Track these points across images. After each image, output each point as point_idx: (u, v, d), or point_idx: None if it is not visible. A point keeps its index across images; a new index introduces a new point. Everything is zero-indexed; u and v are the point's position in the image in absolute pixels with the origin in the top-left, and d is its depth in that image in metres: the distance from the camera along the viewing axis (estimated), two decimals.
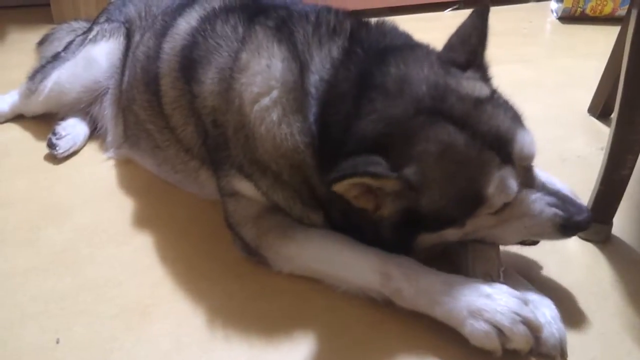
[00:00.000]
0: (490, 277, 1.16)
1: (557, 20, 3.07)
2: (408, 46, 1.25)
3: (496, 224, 1.16)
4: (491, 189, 1.09)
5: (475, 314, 1.07)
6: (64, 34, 2.31)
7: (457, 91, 1.13)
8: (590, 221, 1.15)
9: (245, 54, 1.29)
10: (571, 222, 1.14)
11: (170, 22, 1.56)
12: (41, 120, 1.97)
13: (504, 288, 1.11)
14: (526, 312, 1.07)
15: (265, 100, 1.24)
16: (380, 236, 1.18)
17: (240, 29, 1.36)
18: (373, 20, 1.34)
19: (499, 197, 1.10)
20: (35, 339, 1.18)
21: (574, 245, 1.42)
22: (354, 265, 1.22)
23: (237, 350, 1.15)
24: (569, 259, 1.38)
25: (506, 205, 1.12)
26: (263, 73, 1.25)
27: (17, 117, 2.04)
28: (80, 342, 1.17)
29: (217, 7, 1.49)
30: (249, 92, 1.26)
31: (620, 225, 1.45)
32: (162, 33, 1.56)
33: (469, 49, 1.22)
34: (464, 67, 1.20)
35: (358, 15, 1.37)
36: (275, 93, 1.23)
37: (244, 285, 1.31)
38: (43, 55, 2.21)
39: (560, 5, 3.04)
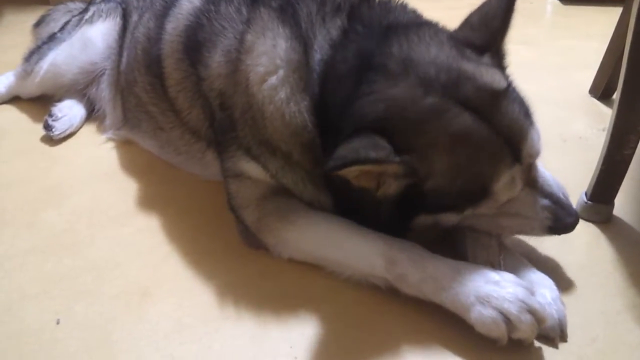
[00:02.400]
0: (491, 265, 1.16)
1: (558, 1, 3.05)
2: (414, 24, 1.20)
3: (490, 216, 1.16)
4: (499, 186, 1.08)
5: (483, 300, 1.05)
6: (60, 15, 2.29)
7: (474, 79, 1.08)
8: (576, 223, 1.17)
9: (250, 36, 1.27)
10: (558, 225, 1.16)
11: (172, 1, 1.54)
12: (38, 102, 1.96)
13: (511, 276, 1.09)
14: (533, 301, 1.05)
15: (272, 79, 1.22)
16: (379, 216, 1.17)
17: (244, 10, 1.33)
18: None
19: (504, 194, 1.10)
20: (36, 319, 1.17)
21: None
22: (357, 250, 1.20)
23: (240, 329, 1.14)
24: (569, 239, 1.35)
25: (508, 200, 1.12)
26: (269, 53, 1.23)
27: (14, 99, 2.03)
28: (80, 323, 1.16)
29: None
30: (255, 72, 1.24)
31: (621, 205, 1.44)
32: (164, 13, 1.54)
33: (489, 31, 1.16)
34: (480, 50, 1.15)
35: None
36: (281, 72, 1.22)
37: (247, 265, 1.30)
38: (39, 37, 2.18)
39: None
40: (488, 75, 1.10)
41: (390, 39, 1.14)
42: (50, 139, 1.79)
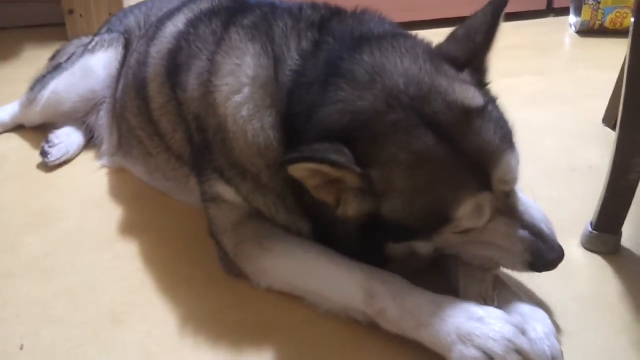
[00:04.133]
0: (483, 300, 1.08)
1: (576, 34, 2.98)
2: (390, 35, 1.15)
3: (465, 243, 1.08)
4: (460, 213, 1.00)
5: (465, 338, 0.97)
6: (73, 49, 2.31)
7: (445, 95, 1.01)
8: (559, 261, 1.06)
9: (219, 57, 1.25)
10: (538, 261, 1.06)
11: (160, 26, 1.54)
12: (41, 131, 1.96)
13: (498, 312, 1.01)
14: (521, 341, 0.96)
15: (237, 98, 1.19)
16: (351, 243, 1.11)
17: (218, 32, 1.32)
18: (352, 9, 1.26)
19: (467, 221, 1.02)
20: (0, 344, 1.13)
21: (579, 256, 1.33)
22: (335, 280, 1.13)
23: None
24: (572, 270, 1.28)
25: (473, 229, 1.04)
26: (234, 72, 1.21)
27: (18, 128, 2.05)
28: (44, 348, 1.12)
29: (203, 9, 1.45)
30: (220, 92, 1.21)
31: (630, 235, 1.34)
32: (152, 37, 1.54)
33: (471, 47, 1.11)
34: (461, 65, 1.09)
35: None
36: (247, 89, 1.18)
37: (223, 294, 1.24)
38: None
39: (578, 19, 2.95)
40: (462, 92, 1.03)
41: (362, 47, 1.09)
42: (46, 166, 1.79)
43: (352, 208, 1.04)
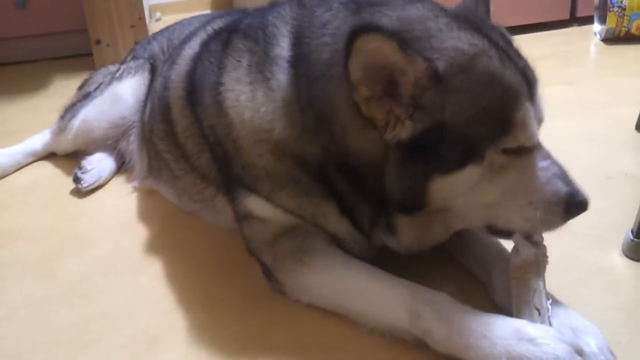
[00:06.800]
0: (537, 311, 1.03)
1: (602, 42, 2.95)
2: None
3: (503, 192, 1.06)
4: (519, 116, 1.00)
5: None
6: (100, 77, 2.35)
7: (485, 19, 1.12)
8: (588, 202, 1.06)
9: (226, 61, 1.28)
10: (575, 200, 1.05)
11: (179, 50, 1.57)
12: (72, 159, 1.99)
13: (550, 331, 0.97)
14: None
15: (241, 97, 1.23)
16: (386, 184, 1.07)
17: (223, 48, 1.33)
18: None
19: (522, 131, 1.01)
20: None
21: (622, 265, 1.29)
22: (378, 300, 1.11)
23: None
24: (617, 280, 1.24)
25: (521, 151, 1.04)
26: (237, 70, 1.25)
27: (50, 156, 2.08)
28: None
29: (216, 28, 1.47)
30: (227, 91, 1.25)
31: None
32: (173, 61, 1.56)
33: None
34: None
35: None
36: (247, 88, 1.22)
37: (260, 313, 1.23)
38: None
39: (603, 27, 2.91)
40: (497, 24, 1.13)
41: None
42: (79, 191, 1.81)
43: (407, 126, 1.02)
